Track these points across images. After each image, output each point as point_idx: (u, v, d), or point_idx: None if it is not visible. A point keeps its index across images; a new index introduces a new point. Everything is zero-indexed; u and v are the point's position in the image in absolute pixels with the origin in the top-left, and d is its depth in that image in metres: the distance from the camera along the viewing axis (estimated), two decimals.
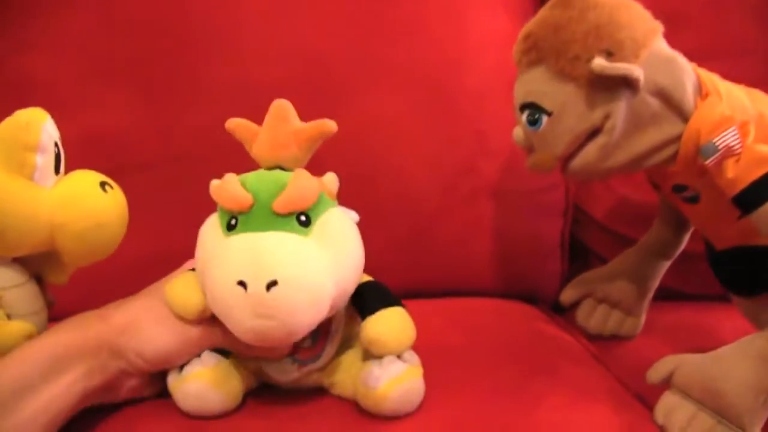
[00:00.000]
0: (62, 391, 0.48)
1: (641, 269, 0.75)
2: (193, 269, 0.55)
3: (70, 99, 0.77)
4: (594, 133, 0.56)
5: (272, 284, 0.46)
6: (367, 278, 0.58)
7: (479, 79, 0.84)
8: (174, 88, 0.78)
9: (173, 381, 0.54)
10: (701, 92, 0.57)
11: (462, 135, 0.83)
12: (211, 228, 0.53)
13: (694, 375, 0.55)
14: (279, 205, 0.50)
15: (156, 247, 0.74)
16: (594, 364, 0.68)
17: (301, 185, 0.51)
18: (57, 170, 0.51)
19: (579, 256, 0.92)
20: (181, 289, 0.54)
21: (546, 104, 0.56)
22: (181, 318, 0.53)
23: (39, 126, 0.48)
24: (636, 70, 0.53)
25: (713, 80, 0.58)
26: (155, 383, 0.56)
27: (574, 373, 0.63)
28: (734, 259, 0.62)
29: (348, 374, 0.56)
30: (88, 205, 0.51)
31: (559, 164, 0.59)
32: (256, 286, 0.47)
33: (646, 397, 0.61)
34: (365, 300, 0.55)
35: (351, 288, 0.54)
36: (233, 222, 0.50)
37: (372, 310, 0.54)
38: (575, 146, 0.56)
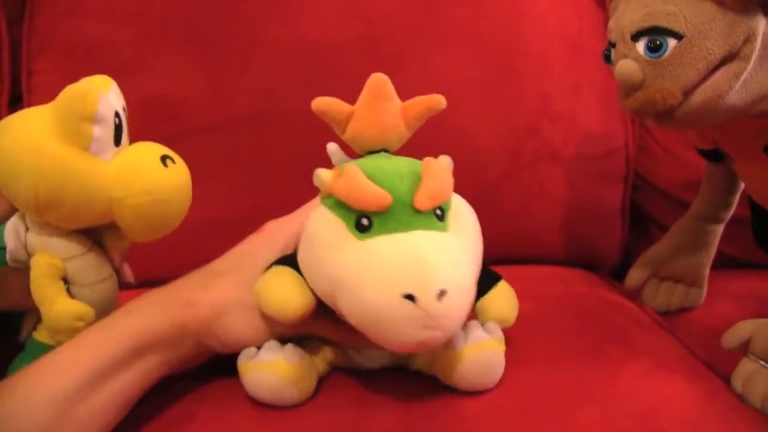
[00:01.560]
0: (139, 378, 0.47)
1: (699, 238, 0.73)
2: (283, 262, 0.51)
3: (128, 63, 0.76)
4: (723, 61, 0.51)
5: (443, 293, 0.43)
6: None
7: (543, 40, 0.83)
8: (233, 50, 0.77)
9: (246, 361, 0.50)
10: None
11: (525, 97, 0.82)
12: (330, 228, 0.47)
13: None
14: (422, 201, 0.45)
15: (218, 211, 0.74)
16: (662, 332, 0.67)
17: (439, 177, 0.47)
18: (118, 142, 0.49)
19: (638, 222, 0.91)
20: (277, 290, 0.49)
21: (676, 26, 0.50)
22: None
23: (96, 96, 0.46)
24: None
25: None
26: None
27: (645, 341, 0.62)
28: None
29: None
30: (146, 179, 0.48)
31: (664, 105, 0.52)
32: (428, 298, 0.42)
33: (716, 366, 0.60)
34: None
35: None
36: (365, 222, 0.46)
37: (483, 291, 0.53)
38: (705, 74, 0.51)
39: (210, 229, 0.71)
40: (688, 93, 0.52)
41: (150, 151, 0.50)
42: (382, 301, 0.43)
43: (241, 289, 0.52)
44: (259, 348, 0.51)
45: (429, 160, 0.47)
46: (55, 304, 0.48)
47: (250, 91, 0.75)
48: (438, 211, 0.47)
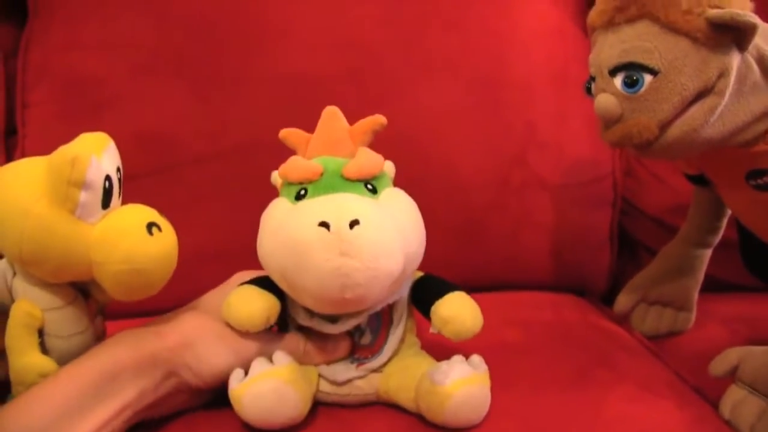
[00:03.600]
0: (113, 412, 0.47)
1: (687, 263, 0.74)
2: (247, 282, 0.54)
3: (121, 96, 0.77)
4: (698, 96, 0.52)
5: (355, 223, 0.47)
6: (420, 274, 0.57)
7: (528, 70, 0.84)
8: (225, 82, 0.78)
9: (238, 385, 0.51)
10: None
11: (512, 126, 0.82)
12: (277, 206, 0.53)
13: (762, 369, 0.53)
14: (350, 170, 0.51)
15: (210, 242, 0.74)
16: (650, 357, 0.67)
17: (369, 154, 0.53)
18: (106, 205, 0.49)
19: (627, 247, 0.92)
20: (240, 302, 0.53)
21: (652, 62, 0.52)
22: (245, 331, 0.53)
23: (86, 162, 0.46)
24: (757, 19, 0.50)
25: None
26: (203, 395, 0.54)
27: (633, 366, 0.63)
28: None
29: (406, 376, 0.54)
30: (127, 248, 0.48)
31: (640, 139, 0.54)
32: (340, 224, 0.47)
33: (705, 391, 0.61)
34: (428, 289, 0.55)
35: (415, 264, 0.53)
36: (302, 192, 0.51)
37: (438, 295, 0.54)
38: (680, 109, 0.52)
39: (202, 259, 0.72)
40: (664, 127, 0.53)
41: (136, 217, 0.49)
42: (301, 231, 0.48)
43: (210, 319, 0.53)
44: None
45: (363, 147, 0.54)
46: (24, 356, 0.49)
47: (240, 122, 0.75)
48: (369, 186, 0.51)
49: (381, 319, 0.56)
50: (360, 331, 0.56)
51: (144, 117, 0.77)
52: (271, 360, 0.52)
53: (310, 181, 0.51)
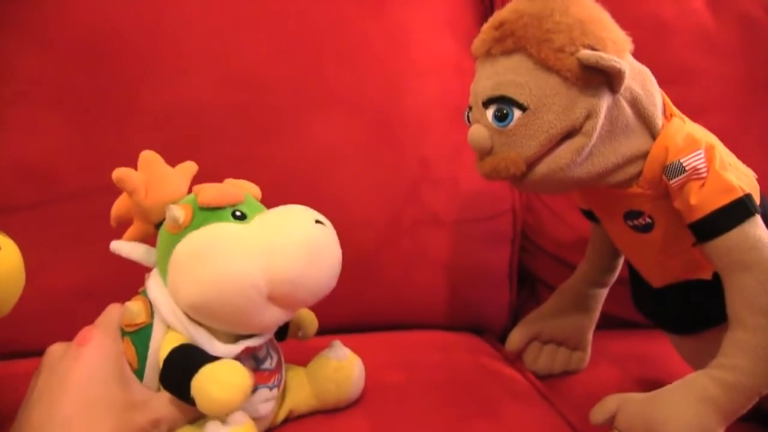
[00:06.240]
0: None
1: (582, 302, 0.75)
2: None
3: None
4: (567, 135, 0.53)
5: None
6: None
7: (422, 106, 0.84)
8: (109, 113, 0.75)
9: None
10: (665, 113, 0.57)
11: (405, 162, 0.82)
12: (224, 230, 0.51)
13: (637, 417, 0.54)
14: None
15: (88, 279, 0.72)
16: (538, 401, 0.67)
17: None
18: None
19: (527, 285, 0.92)
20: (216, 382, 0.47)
21: (521, 97, 0.52)
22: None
23: None
24: (624, 64, 0.51)
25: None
26: None
27: (517, 412, 0.62)
28: (675, 295, 0.61)
29: (297, 386, 0.57)
30: None
31: (507, 174, 0.54)
32: (323, 220, 0.53)
33: None
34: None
35: None
36: (239, 213, 0.52)
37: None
38: (548, 147, 0.53)
39: (81, 295, 0.70)
40: (532, 164, 0.53)
41: None
42: (306, 230, 0.51)
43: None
44: None
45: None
46: None
47: (123, 156, 0.71)
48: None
49: (274, 347, 0.57)
50: (264, 354, 0.55)
51: (22, 147, 0.73)
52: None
53: (238, 203, 0.52)
